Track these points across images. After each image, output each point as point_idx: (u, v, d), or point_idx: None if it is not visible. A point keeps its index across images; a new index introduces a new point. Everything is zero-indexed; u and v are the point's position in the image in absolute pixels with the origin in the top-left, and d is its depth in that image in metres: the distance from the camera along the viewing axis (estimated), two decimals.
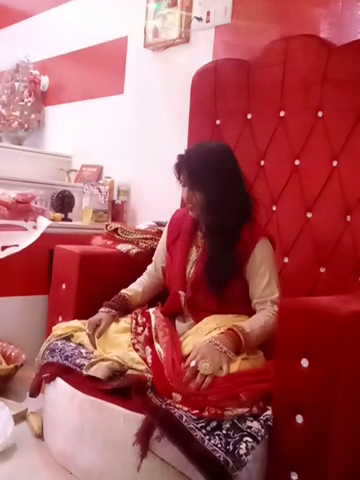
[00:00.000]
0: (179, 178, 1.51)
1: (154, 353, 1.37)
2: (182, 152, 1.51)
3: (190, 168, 1.46)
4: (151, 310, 1.61)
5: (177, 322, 1.58)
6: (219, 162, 1.47)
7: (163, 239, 1.71)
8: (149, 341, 1.44)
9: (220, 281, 1.47)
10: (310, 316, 1.13)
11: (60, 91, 3.19)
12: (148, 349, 1.39)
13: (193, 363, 1.27)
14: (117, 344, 1.46)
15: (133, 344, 1.43)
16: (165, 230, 1.71)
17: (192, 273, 1.54)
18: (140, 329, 1.50)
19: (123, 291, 1.67)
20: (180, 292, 1.55)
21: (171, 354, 1.34)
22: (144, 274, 1.76)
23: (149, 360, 1.34)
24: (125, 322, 1.56)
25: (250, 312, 1.49)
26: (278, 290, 1.46)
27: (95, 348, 1.47)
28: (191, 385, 1.23)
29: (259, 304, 1.47)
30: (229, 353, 1.30)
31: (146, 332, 1.48)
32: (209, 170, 1.45)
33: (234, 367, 1.29)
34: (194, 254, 1.57)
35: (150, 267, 1.76)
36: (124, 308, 1.61)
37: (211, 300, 1.49)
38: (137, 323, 1.53)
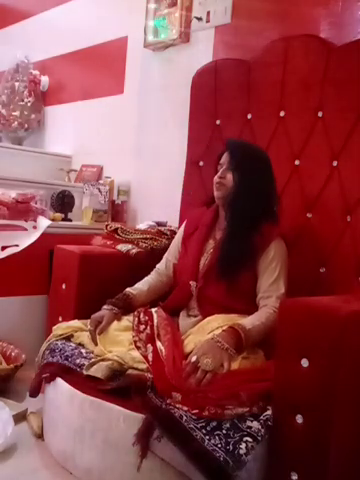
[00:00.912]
0: (219, 162, 1.59)
1: (155, 351, 1.37)
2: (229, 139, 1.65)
3: (236, 150, 1.56)
4: (153, 309, 1.61)
5: (181, 317, 1.60)
6: (262, 158, 1.59)
7: (179, 235, 1.74)
8: (151, 339, 1.44)
9: (231, 269, 1.49)
10: (310, 316, 1.13)
11: (60, 91, 3.19)
12: (149, 347, 1.40)
13: (194, 358, 1.27)
14: (118, 342, 1.46)
15: (134, 341, 1.44)
16: (182, 227, 1.75)
17: (206, 263, 1.57)
18: (142, 327, 1.51)
19: (128, 289, 1.67)
20: (191, 282, 1.56)
21: (172, 352, 1.35)
22: (152, 273, 1.77)
23: (150, 358, 1.34)
24: (127, 320, 1.56)
25: (256, 310, 1.49)
26: (284, 287, 1.49)
27: (96, 345, 1.47)
28: (191, 380, 1.23)
29: (263, 299, 1.48)
30: (230, 350, 1.31)
31: (148, 330, 1.49)
32: (253, 159, 1.56)
33: (235, 365, 1.30)
34: (210, 246, 1.60)
35: (160, 265, 1.77)
36: (127, 306, 1.62)
37: (220, 291, 1.50)
38: (139, 321, 1.54)
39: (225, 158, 1.57)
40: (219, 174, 1.56)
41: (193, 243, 1.64)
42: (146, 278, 1.75)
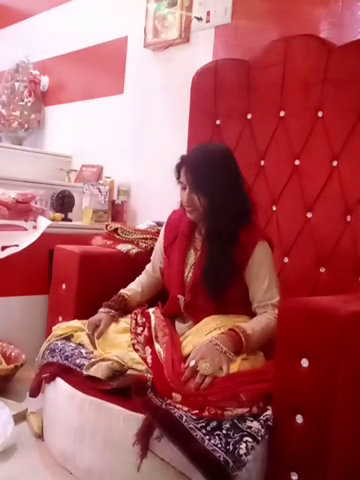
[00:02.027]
0: (179, 179, 1.50)
1: (154, 353, 1.37)
2: (184, 153, 1.50)
3: (193, 169, 1.44)
4: (151, 310, 1.61)
5: (177, 323, 1.58)
6: (222, 164, 1.46)
7: (160, 240, 1.70)
8: (149, 341, 1.44)
9: (218, 286, 1.45)
10: (310, 316, 1.13)
11: (60, 91, 3.19)
12: (148, 349, 1.39)
13: (193, 363, 1.27)
14: (117, 344, 1.46)
15: (133, 344, 1.43)
16: (162, 231, 1.70)
17: (190, 277, 1.53)
18: (140, 329, 1.50)
19: (122, 291, 1.67)
20: (179, 296, 1.54)
21: (171, 354, 1.34)
22: (143, 273, 1.76)
23: (149, 360, 1.34)
24: (125, 322, 1.56)
25: (249, 312, 1.49)
26: (278, 294, 1.46)
27: (95, 348, 1.47)
28: (190, 384, 1.23)
29: (260, 308, 1.47)
30: (229, 353, 1.30)
31: (146, 332, 1.48)
32: (212, 172, 1.43)
33: (234, 367, 1.29)
34: (192, 257, 1.56)
35: (148, 267, 1.76)
36: (123, 308, 1.61)
37: (210, 303, 1.48)
38: (137, 323, 1.53)
39: (184, 177, 1.46)
40: (186, 199, 1.47)
41: (175, 254, 1.59)
42: (138, 278, 1.74)
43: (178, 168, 1.49)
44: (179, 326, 1.57)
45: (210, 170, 1.43)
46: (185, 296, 1.53)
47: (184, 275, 1.55)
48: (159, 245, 1.71)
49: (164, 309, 1.61)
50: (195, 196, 1.45)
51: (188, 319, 1.55)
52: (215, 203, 1.44)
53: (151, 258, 1.75)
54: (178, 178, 1.50)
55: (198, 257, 1.54)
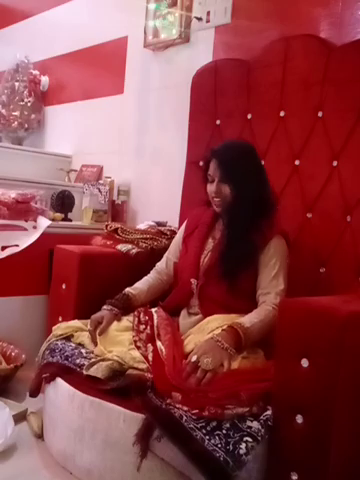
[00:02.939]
0: (206, 173, 1.56)
1: (156, 351, 1.37)
2: (213, 148, 1.58)
3: (224, 162, 1.51)
4: (153, 309, 1.61)
5: (182, 316, 1.60)
6: (250, 158, 1.56)
7: (179, 234, 1.74)
8: (151, 339, 1.44)
9: (233, 267, 1.50)
10: (310, 316, 1.13)
11: (60, 91, 3.18)
12: (150, 347, 1.40)
13: (194, 358, 1.28)
14: (118, 342, 1.46)
15: (135, 341, 1.44)
16: (183, 226, 1.75)
17: (206, 261, 1.57)
18: (142, 327, 1.51)
19: (127, 289, 1.67)
20: (192, 280, 1.56)
21: (172, 351, 1.35)
22: (152, 272, 1.77)
23: (150, 358, 1.35)
24: (127, 321, 1.56)
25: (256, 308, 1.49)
26: (284, 283, 1.49)
27: (96, 345, 1.47)
28: (191, 379, 1.23)
29: (262, 295, 1.49)
30: (230, 349, 1.31)
31: (148, 330, 1.49)
32: (242, 165, 1.52)
33: (235, 365, 1.30)
34: (210, 244, 1.61)
35: (160, 264, 1.77)
36: (127, 307, 1.62)
37: (221, 289, 1.50)
38: (139, 321, 1.54)
39: (214, 169, 1.53)
40: (214, 190, 1.54)
41: (193, 241, 1.64)
42: (146, 277, 1.75)
43: (207, 162, 1.56)
44: (184, 320, 1.58)
45: (239, 163, 1.52)
46: (198, 280, 1.55)
47: (200, 260, 1.59)
48: (178, 238, 1.75)
49: (169, 298, 1.61)
50: (225, 186, 1.51)
51: (194, 308, 1.57)
52: (243, 192, 1.50)
53: (165, 255, 1.77)
54: (205, 172, 1.56)
55: (216, 243, 1.59)
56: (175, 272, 1.71)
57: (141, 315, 1.57)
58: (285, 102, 1.79)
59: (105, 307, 1.59)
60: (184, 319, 1.59)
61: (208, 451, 1.09)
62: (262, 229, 1.52)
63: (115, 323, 1.55)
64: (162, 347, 1.38)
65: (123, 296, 1.64)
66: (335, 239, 1.63)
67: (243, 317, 1.43)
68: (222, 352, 1.30)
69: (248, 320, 1.40)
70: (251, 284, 1.52)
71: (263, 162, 1.84)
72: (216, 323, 1.44)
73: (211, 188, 1.55)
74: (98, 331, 1.51)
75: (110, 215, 2.57)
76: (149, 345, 1.41)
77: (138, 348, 1.40)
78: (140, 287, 1.70)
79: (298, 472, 1.13)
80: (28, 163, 2.85)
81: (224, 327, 1.38)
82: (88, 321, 1.57)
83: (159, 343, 1.41)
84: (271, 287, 1.48)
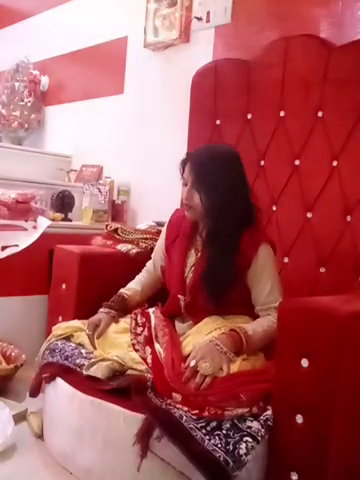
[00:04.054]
0: (182, 175, 1.50)
1: (154, 353, 1.36)
2: (189, 151, 1.51)
3: (197, 167, 1.44)
4: (151, 310, 1.60)
5: (177, 322, 1.58)
6: (226, 165, 1.45)
7: (162, 239, 1.70)
8: (149, 341, 1.44)
9: (218, 289, 1.45)
10: (310, 316, 1.13)
11: (60, 91, 3.18)
12: (148, 349, 1.39)
13: (193, 363, 1.27)
14: (117, 344, 1.46)
15: (133, 344, 1.43)
16: (164, 230, 1.70)
17: (190, 277, 1.53)
18: (140, 329, 1.50)
19: (122, 290, 1.67)
20: (179, 296, 1.54)
21: (171, 354, 1.34)
22: (143, 271, 1.76)
23: (149, 360, 1.34)
24: (125, 322, 1.56)
25: (250, 313, 1.49)
26: (281, 296, 1.45)
27: (95, 349, 1.46)
28: (190, 384, 1.23)
29: (262, 311, 1.46)
30: (229, 353, 1.30)
31: (146, 332, 1.48)
32: (216, 172, 1.43)
33: (234, 367, 1.29)
34: (193, 257, 1.55)
35: (149, 264, 1.75)
36: (123, 308, 1.61)
37: (210, 305, 1.47)
38: (137, 323, 1.53)
39: (188, 173, 1.46)
40: (185, 195, 1.46)
41: (175, 253, 1.59)
42: (138, 277, 1.74)
43: (183, 164, 1.49)
44: (179, 326, 1.57)
45: (214, 169, 1.43)
46: (185, 296, 1.53)
47: (184, 275, 1.54)
48: (160, 243, 1.71)
49: (164, 308, 1.61)
50: (196, 193, 1.45)
51: (188, 319, 1.55)
52: (215, 203, 1.43)
53: (152, 256, 1.75)
54: (182, 174, 1.50)
55: (198, 258, 1.53)
56: (163, 275, 1.69)
57: (138, 317, 1.56)
58: (285, 102, 1.79)
59: (102, 310, 1.59)
60: (179, 325, 1.57)
61: (208, 451, 1.09)
62: (245, 242, 1.44)
63: (113, 325, 1.55)
64: (160, 350, 1.37)
65: (118, 297, 1.63)
66: (335, 239, 1.63)
67: (246, 324, 1.42)
68: (221, 356, 1.29)
69: (251, 327, 1.38)
70: (241, 295, 1.48)
71: (263, 162, 1.86)
72: (214, 324, 1.43)
73: (184, 192, 1.48)
74: (96, 334, 1.50)
75: (110, 215, 2.57)
76: (147, 348, 1.40)
77: (136, 351, 1.40)
78: (134, 287, 1.69)
79: (298, 472, 1.13)
80: (28, 163, 2.85)
81: (224, 330, 1.37)
82: (87, 321, 1.57)
83: (157, 346, 1.40)
84: (270, 303, 1.44)
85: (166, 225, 1.69)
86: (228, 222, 1.44)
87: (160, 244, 1.71)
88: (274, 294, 1.45)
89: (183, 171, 1.49)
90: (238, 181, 1.47)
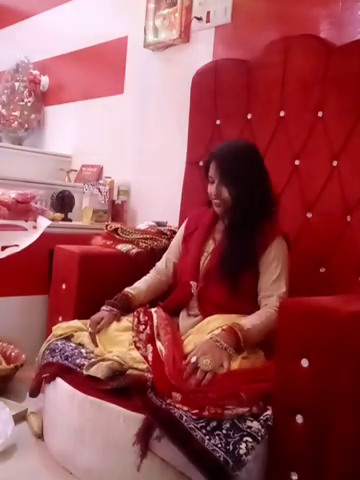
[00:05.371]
0: (207, 174, 1.55)
1: (155, 351, 1.37)
2: (212, 151, 1.57)
3: (222, 163, 1.51)
4: (153, 309, 1.61)
5: (181, 317, 1.59)
6: (249, 159, 1.53)
7: (179, 233, 1.74)
8: (151, 339, 1.44)
9: (234, 270, 1.49)
10: (310, 316, 1.13)
11: (60, 91, 3.19)
12: (149, 347, 1.39)
13: (194, 359, 1.27)
14: (118, 342, 1.46)
15: (134, 342, 1.44)
16: (182, 226, 1.75)
17: (206, 263, 1.56)
18: (142, 327, 1.51)
19: (127, 289, 1.67)
20: (192, 282, 1.56)
21: (172, 352, 1.34)
22: (151, 271, 1.76)
23: (150, 358, 1.34)
24: (127, 321, 1.56)
25: (257, 310, 1.49)
26: (286, 286, 1.48)
27: (96, 346, 1.47)
28: (191, 381, 1.23)
29: (264, 298, 1.48)
30: (230, 350, 1.31)
31: (148, 330, 1.49)
32: (241, 166, 1.50)
33: (234, 365, 1.30)
34: (210, 246, 1.60)
35: (160, 264, 1.76)
36: (126, 307, 1.62)
37: (222, 292, 1.50)
38: (139, 321, 1.54)
39: (213, 171, 1.52)
40: (214, 192, 1.53)
41: (193, 243, 1.64)
42: (145, 277, 1.75)
43: (207, 164, 1.55)
44: (184, 321, 1.58)
45: (237, 163, 1.51)
46: (198, 282, 1.55)
47: (200, 262, 1.58)
48: (177, 239, 1.74)
49: (169, 299, 1.61)
50: (224, 188, 1.50)
51: (194, 310, 1.56)
52: (242, 195, 1.50)
53: (164, 255, 1.77)
54: (206, 173, 1.56)
55: (217, 245, 1.58)
56: (175, 273, 1.70)
57: (141, 315, 1.56)
58: (285, 102, 1.79)
59: (104, 308, 1.59)
60: (184, 320, 1.59)
61: (208, 451, 1.09)
62: (263, 231, 1.51)
63: (115, 323, 1.55)
64: (162, 347, 1.38)
65: (122, 296, 1.63)
66: (335, 239, 1.63)
67: (244, 318, 1.43)
68: (221, 352, 1.30)
69: (249, 321, 1.40)
70: (252, 286, 1.51)
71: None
72: (216, 323, 1.43)
73: (211, 190, 1.55)
74: (96, 330, 1.51)
75: (110, 215, 2.57)
76: (149, 345, 1.40)
77: (138, 348, 1.40)
78: (139, 287, 1.70)
79: (298, 472, 1.13)
80: (28, 163, 2.85)
81: (224, 327, 1.38)
82: (88, 321, 1.57)
83: (159, 343, 1.40)
84: (273, 290, 1.47)
85: (185, 221, 1.75)
86: (251, 213, 1.51)
87: (176, 240, 1.75)
88: (279, 283, 1.48)
89: (207, 170, 1.55)
90: (260, 174, 1.55)
